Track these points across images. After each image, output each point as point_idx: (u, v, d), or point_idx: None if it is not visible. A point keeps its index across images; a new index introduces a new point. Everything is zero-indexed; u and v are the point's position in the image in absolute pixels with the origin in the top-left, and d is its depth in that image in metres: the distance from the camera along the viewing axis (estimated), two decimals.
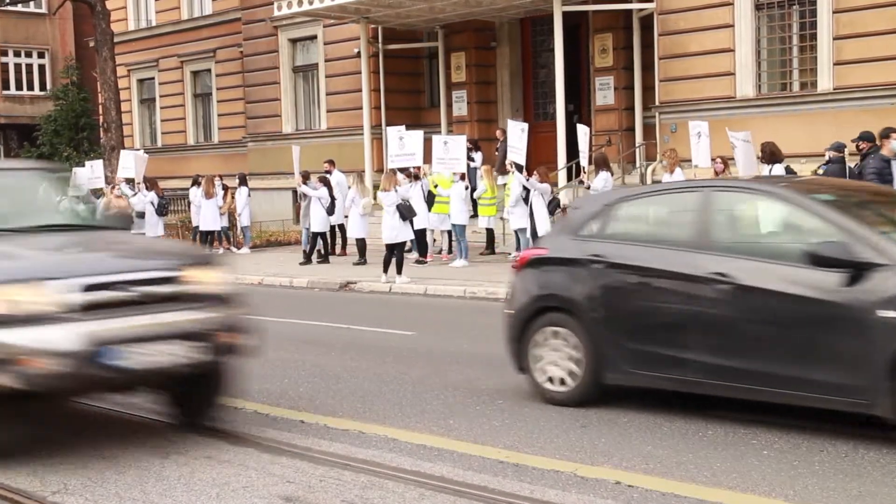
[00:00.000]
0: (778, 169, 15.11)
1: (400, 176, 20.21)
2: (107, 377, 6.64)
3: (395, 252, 16.98)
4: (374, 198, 19.73)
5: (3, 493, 6.18)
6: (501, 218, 20.01)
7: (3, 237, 7.32)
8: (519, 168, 18.19)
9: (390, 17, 25.03)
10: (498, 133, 23.24)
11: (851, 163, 14.92)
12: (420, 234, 19.88)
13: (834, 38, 18.95)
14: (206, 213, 23.84)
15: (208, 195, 23.79)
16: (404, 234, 17.11)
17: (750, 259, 7.17)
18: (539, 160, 22.23)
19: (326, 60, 27.91)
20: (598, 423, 7.49)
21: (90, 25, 31.31)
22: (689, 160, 17.20)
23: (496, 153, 22.59)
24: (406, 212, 17.04)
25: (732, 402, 7.92)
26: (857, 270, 6.57)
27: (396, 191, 17.11)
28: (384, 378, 9.40)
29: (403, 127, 21.04)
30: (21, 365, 6.37)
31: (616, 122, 23.00)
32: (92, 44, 30.99)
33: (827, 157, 14.71)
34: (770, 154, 15.18)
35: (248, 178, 25.77)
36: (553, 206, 17.91)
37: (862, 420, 7.17)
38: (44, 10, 41.72)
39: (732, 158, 16.23)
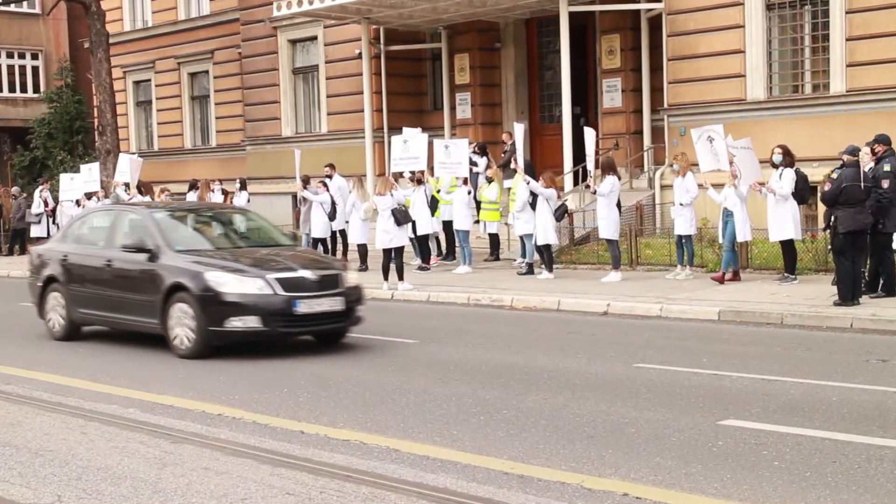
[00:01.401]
0: (788, 173, 15.12)
1: (406, 178, 20.24)
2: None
3: (392, 258, 16.99)
4: None
5: None
6: (506, 223, 20.02)
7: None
8: (528, 171, 18.17)
9: (392, 18, 25.08)
10: (504, 136, 23.26)
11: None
12: (423, 240, 19.89)
13: (847, 39, 18.98)
14: None
15: (202, 200, 23.81)
16: (399, 238, 17.12)
17: None
18: (545, 164, 22.28)
19: (327, 62, 27.97)
20: (604, 434, 7.50)
21: (85, 26, 31.38)
22: (694, 164, 17.19)
23: (502, 156, 22.60)
24: (401, 216, 17.04)
25: (744, 412, 7.94)
26: None
27: (392, 195, 17.13)
28: (386, 387, 9.42)
29: (419, 130, 21.04)
30: None
31: (624, 126, 23.03)
32: (87, 45, 31.05)
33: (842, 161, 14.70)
34: (783, 157, 15.20)
35: (247, 182, 25.80)
36: (560, 212, 17.89)
37: (875, 431, 7.19)
38: (37, 10, 41.78)
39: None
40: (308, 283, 11.53)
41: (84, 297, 12.86)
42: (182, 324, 11.44)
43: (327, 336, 12.07)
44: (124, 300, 12.30)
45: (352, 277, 12.30)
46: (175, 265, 11.73)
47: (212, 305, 11.24)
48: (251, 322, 11.23)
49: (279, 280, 11.36)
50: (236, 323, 11.23)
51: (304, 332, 11.88)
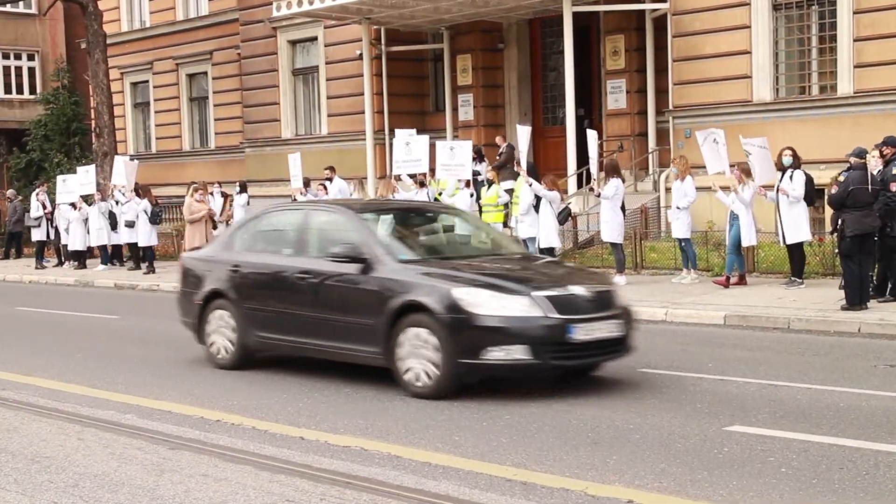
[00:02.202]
0: (799, 174, 15.13)
1: (409, 181, 20.26)
2: None
3: None
4: None
5: None
6: (505, 225, 20.01)
7: None
8: (531, 173, 18.17)
9: (393, 18, 25.11)
10: (498, 139, 23.22)
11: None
12: None
13: (854, 40, 18.99)
14: None
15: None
16: None
17: None
18: (548, 166, 22.28)
19: (327, 63, 28.00)
20: (609, 440, 7.51)
21: (82, 26, 31.44)
22: (700, 167, 17.24)
23: (497, 158, 22.59)
24: None
25: (750, 418, 7.93)
26: None
27: (394, 198, 17.14)
28: (386, 393, 9.41)
29: (414, 131, 21.05)
30: None
31: (628, 127, 23.04)
32: (84, 45, 31.10)
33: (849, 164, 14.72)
34: (793, 158, 15.25)
35: (247, 184, 25.83)
36: (564, 215, 17.89)
37: (884, 437, 7.20)
38: (33, 10, 41.90)
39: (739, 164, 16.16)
40: (582, 302, 9.28)
41: (265, 318, 10.62)
42: (419, 354, 9.17)
43: (584, 369, 9.87)
44: (328, 323, 10.02)
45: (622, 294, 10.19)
46: (404, 279, 9.47)
47: (464, 331, 8.96)
48: (517, 353, 8.90)
49: (550, 299, 9.08)
50: (497, 354, 8.90)
51: (577, 364, 9.56)
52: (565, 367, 9.47)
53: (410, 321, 9.23)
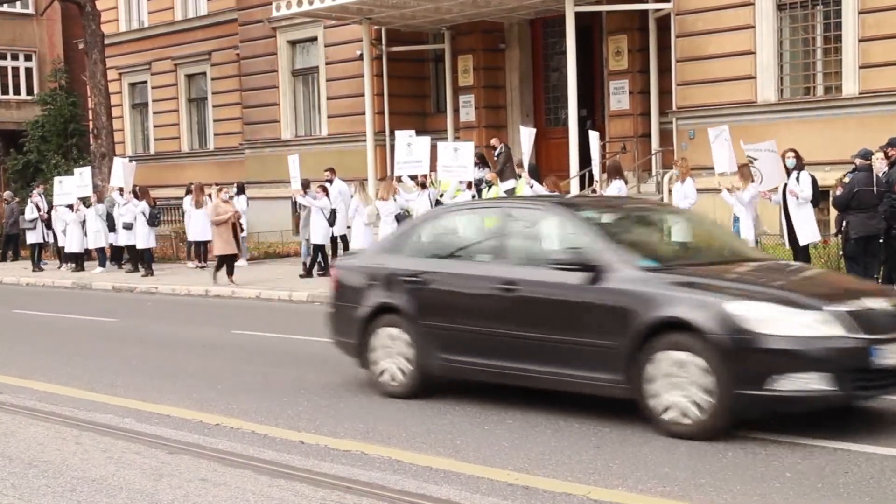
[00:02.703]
0: (805, 175, 15.14)
1: (410, 183, 20.29)
2: None
3: None
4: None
5: None
6: None
7: None
8: (532, 175, 18.18)
9: (394, 18, 25.11)
10: (494, 141, 23.15)
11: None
12: None
13: (860, 40, 18.97)
14: (196, 223, 23.88)
15: (197, 204, 23.83)
16: None
17: None
18: (551, 168, 22.28)
19: (327, 63, 28.00)
20: (611, 444, 7.51)
21: (79, 26, 31.44)
22: (703, 168, 17.24)
23: (495, 160, 22.55)
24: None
25: (754, 422, 7.92)
26: None
27: (395, 200, 17.12)
28: (388, 396, 9.42)
29: (413, 132, 21.04)
30: None
31: (631, 128, 23.04)
32: (81, 46, 31.09)
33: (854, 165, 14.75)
34: (797, 160, 15.27)
35: (245, 186, 25.84)
36: None
37: (888, 442, 7.20)
38: (31, 10, 41.93)
39: (744, 166, 16.13)
40: (883, 318, 7.67)
41: (453, 338, 9.07)
42: (678, 384, 7.59)
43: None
44: (543, 344, 8.46)
45: None
46: (651, 290, 7.90)
47: (745, 355, 7.38)
48: (813, 382, 7.29)
49: (851, 315, 7.48)
50: (788, 383, 7.29)
51: (876, 395, 7.98)
52: (865, 399, 8.07)
53: (667, 342, 7.68)
